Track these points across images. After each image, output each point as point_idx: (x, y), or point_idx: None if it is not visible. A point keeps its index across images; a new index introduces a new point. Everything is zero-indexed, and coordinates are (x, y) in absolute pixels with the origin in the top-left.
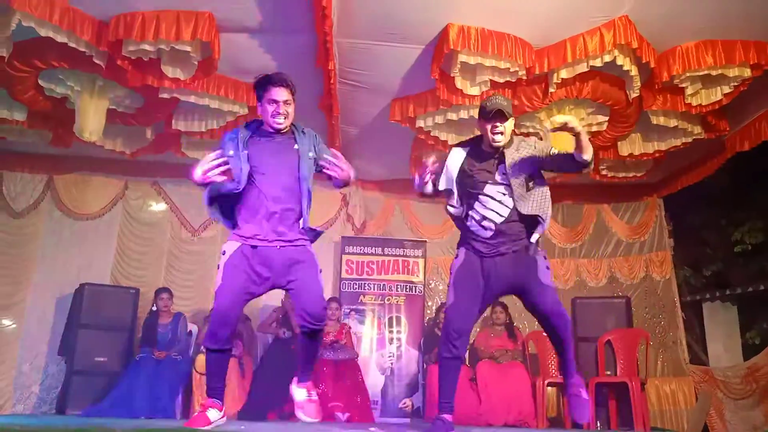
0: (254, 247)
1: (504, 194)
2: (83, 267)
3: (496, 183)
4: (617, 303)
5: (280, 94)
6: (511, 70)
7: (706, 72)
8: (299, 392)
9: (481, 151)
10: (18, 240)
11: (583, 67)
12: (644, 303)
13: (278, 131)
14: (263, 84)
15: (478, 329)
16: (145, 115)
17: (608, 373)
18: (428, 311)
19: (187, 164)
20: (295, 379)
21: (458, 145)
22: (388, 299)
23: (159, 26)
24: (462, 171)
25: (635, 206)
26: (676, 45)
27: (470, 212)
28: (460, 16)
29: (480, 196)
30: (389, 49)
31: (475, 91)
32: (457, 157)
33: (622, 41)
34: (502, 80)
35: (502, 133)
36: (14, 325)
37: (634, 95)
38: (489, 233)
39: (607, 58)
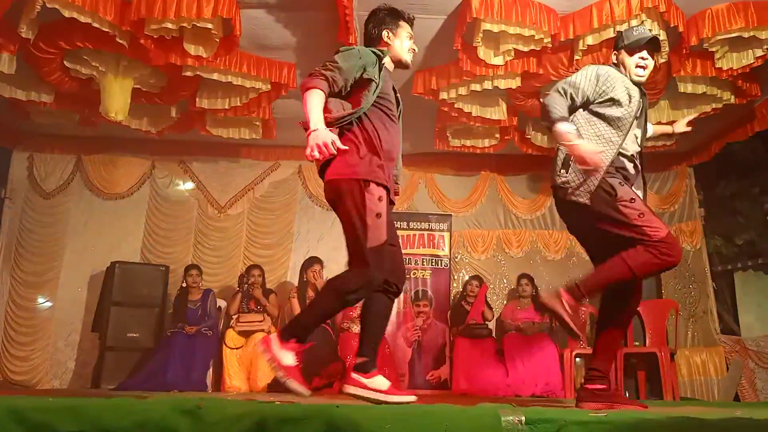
0: (392, 203)
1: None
2: (113, 245)
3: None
4: None
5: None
6: (536, 37)
7: (737, 34)
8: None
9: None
10: (49, 220)
11: (609, 33)
12: (674, 273)
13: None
14: (399, 16)
15: (504, 302)
16: (169, 94)
17: (637, 344)
18: (454, 284)
19: (212, 142)
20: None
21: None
22: (414, 273)
23: (180, 4)
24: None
25: (665, 176)
26: (706, 7)
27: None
28: None
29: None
30: None
31: (498, 60)
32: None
33: (650, 5)
34: (526, 49)
35: (645, 68)
36: (48, 303)
37: (662, 60)
38: None
39: (635, 23)
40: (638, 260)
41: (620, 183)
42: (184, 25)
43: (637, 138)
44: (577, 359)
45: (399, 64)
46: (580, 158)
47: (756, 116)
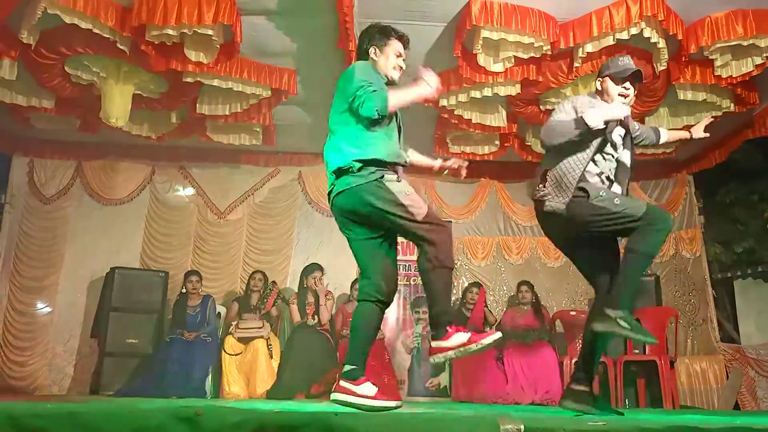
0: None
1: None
2: (113, 251)
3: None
4: (646, 281)
5: (403, 50)
6: (536, 45)
7: (736, 42)
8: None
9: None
10: (48, 225)
11: (609, 41)
12: (674, 281)
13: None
14: (389, 34)
15: (504, 308)
16: (169, 100)
17: (636, 351)
18: (454, 291)
19: (213, 148)
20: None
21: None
22: (414, 280)
23: (181, 10)
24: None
25: (664, 183)
26: (705, 15)
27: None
28: None
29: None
30: (410, 28)
31: (498, 67)
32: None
33: (649, 13)
34: (526, 56)
35: (627, 96)
36: (48, 308)
37: (661, 68)
38: None
39: (634, 31)
40: (641, 243)
41: (587, 182)
42: (185, 31)
43: (612, 156)
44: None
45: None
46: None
47: (755, 124)
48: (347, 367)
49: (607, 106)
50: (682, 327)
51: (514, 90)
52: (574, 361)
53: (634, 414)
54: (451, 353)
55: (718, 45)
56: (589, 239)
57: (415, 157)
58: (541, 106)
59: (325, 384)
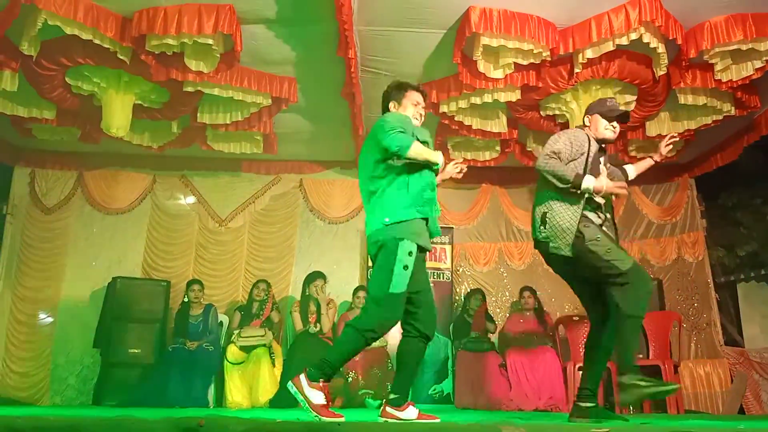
0: (423, 251)
1: None
2: (114, 260)
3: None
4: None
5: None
6: (535, 51)
7: (736, 47)
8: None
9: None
10: (50, 235)
11: (608, 46)
12: (677, 285)
13: None
14: (405, 87)
15: (507, 315)
16: (170, 109)
17: (640, 356)
18: (456, 297)
19: (214, 157)
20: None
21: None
22: None
23: (181, 20)
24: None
25: (666, 187)
26: (705, 20)
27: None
28: None
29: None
30: (410, 35)
31: (498, 74)
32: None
33: (648, 18)
34: (525, 62)
35: (614, 133)
36: (50, 319)
37: (661, 73)
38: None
39: (633, 36)
40: (631, 307)
41: (585, 226)
42: (185, 41)
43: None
44: (581, 372)
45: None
46: (614, 193)
47: (756, 127)
48: (392, 396)
49: (600, 180)
50: (685, 331)
51: (514, 96)
52: (578, 366)
53: (642, 419)
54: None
55: (718, 49)
56: (584, 277)
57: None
58: (541, 112)
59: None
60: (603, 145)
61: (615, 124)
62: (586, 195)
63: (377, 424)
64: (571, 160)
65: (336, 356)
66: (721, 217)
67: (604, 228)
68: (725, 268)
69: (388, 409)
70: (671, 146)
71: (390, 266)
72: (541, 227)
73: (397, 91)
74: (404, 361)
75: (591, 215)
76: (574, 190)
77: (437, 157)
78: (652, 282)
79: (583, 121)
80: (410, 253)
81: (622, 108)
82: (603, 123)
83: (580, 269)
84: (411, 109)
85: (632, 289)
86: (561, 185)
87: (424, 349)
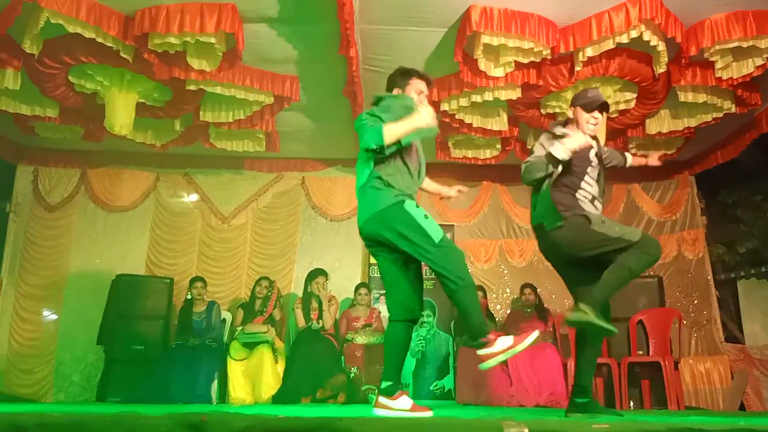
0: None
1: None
2: (118, 258)
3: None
4: (649, 282)
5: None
6: (536, 50)
7: (736, 44)
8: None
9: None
10: (53, 233)
11: (609, 44)
12: (677, 282)
13: None
14: (410, 74)
15: (508, 311)
16: (173, 108)
17: (640, 353)
18: None
19: (216, 155)
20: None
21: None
22: None
23: (183, 19)
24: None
25: (666, 184)
26: (705, 17)
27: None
28: None
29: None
30: (411, 34)
31: (499, 72)
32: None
33: (648, 16)
34: (526, 61)
35: (596, 124)
36: (53, 316)
37: (661, 70)
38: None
39: (634, 34)
40: (631, 260)
41: (589, 212)
42: (188, 39)
43: (595, 180)
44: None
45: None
46: (577, 146)
47: (757, 125)
48: (384, 384)
49: (567, 139)
50: (685, 328)
51: (515, 94)
52: None
53: (638, 416)
54: (501, 356)
55: (718, 47)
56: (581, 261)
57: (430, 186)
58: (542, 110)
59: (331, 388)
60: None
61: (596, 114)
62: (578, 188)
63: (379, 420)
64: None
65: (479, 316)
66: (721, 214)
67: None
68: (725, 265)
69: (381, 398)
70: (659, 163)
71: (415, 224)
72: (534, 212)
73: (401, 77)
74: (392, 347)
75: (588, 207)
76: (555, 168)
77: (418, 118)
78: (661, 251)
79: (567, 116)
80: (417, 206)
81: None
82: (584, 116)
83: (587, 252)
84: (414, 96)
85: (644, 253)
86: (543, 173)
87: (411, 332)
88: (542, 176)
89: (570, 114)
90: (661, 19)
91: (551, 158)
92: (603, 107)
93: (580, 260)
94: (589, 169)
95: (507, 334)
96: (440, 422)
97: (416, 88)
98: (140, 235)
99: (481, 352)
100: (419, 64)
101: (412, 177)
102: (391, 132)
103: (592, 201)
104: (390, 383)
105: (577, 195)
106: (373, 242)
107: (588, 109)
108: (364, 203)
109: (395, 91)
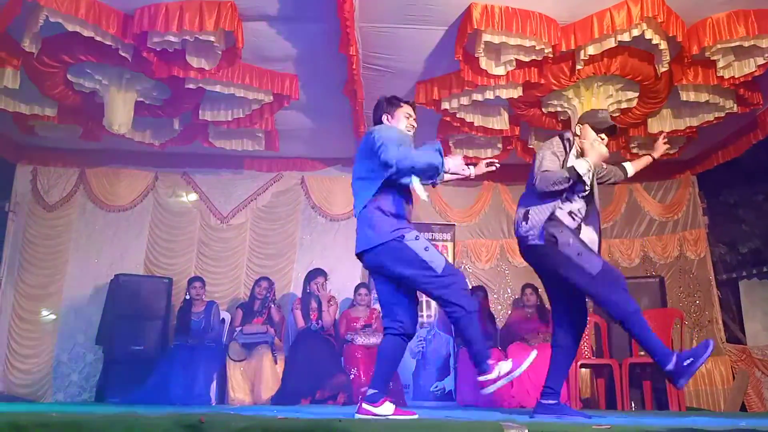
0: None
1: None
2: (116, 258)
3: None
4: (651, 283)
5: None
6: (537, 48)
7: (738, 43)
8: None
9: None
10: (52, 233)
11: (610, 43)
12: (678, 282)
13: None
14: (397, 101)
15: (509, 311)
16: (172, 106)
17: (642, 353)
18: None
19: (215, 154)
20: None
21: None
22: None
23: (182, 17)
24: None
25: (668, 184)
26: (707, 16)
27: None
28: None
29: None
30: (412, 32)
31: (500, 70)
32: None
33: (650, 14)
34: (527, 59)
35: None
36: (52, 316)
37: (663, 69)
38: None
39: (636, 33)
40: (613, 307)
41: (561, 231)
42: (187, 37)
43: (583, 197)
44: (582, 369)
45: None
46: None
47: (759, 124)
48: (370, 391)
49: (591, 154)
50: (687, 328)
51: (516, 93)
52: (579, 363)
53: (639, 416)
54: (500, 382)
55: (720, 46)
56: (558, 280)
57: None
58: (543, 109)
59: (330, 389)
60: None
61: (603, 136)
62: (562, 198)
63: (377, 422)
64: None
65: (482, 342)
66: (723, 214)
67: (580, 229)
68: (727, 265)
69: (364, 405)
70: (668, 144)
71: (417, 258)
72: (523, 222)
73: (389, 104)
74: (385, 358)
75: (566, 219)
76: (573, 183)
77: (445, 159)
78: (623, 278)
79: (574, 130)
80: (416, 238)
81: (612, 121)
82: (592, 134)
83: (556, 268)
84: (404, 121)
85: (608, 292)
86: (563, 186)
87: (405, 346)
88: (561, 189)
89: (577, 130)
90: (663, 18)
91: (573, 173)
92: (612, 130)
93: (555, 280)
94: (577, 187)
95: (507, 357)
96: (441, 423)
97: (404, 113)
98: (139, 234)
99: (482, 378)
100: (419, 62)
101: (407, 203)
102: (412, 158)
103: (570, 214)
104: (375, 392)
105: (559, 205)
106: (376, 268)
107: (598, 129)
108: (363, 231)
109: (384, 118)
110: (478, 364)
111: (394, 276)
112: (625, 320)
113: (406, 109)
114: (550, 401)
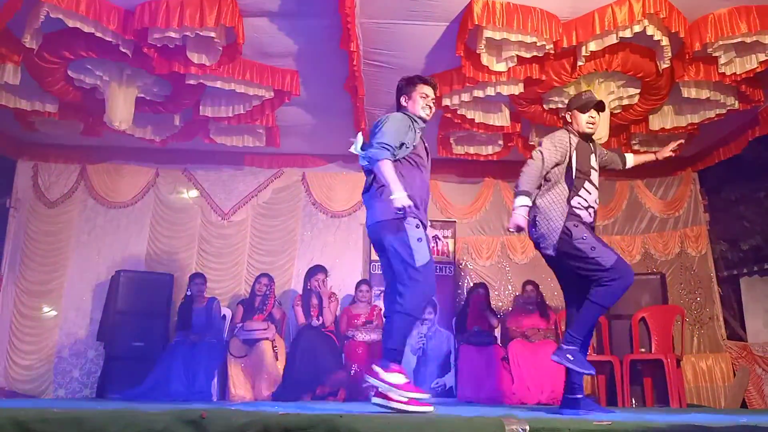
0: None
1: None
2: (117, 254)
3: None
4: (652, 280)
5: (432, 92)
6: (538, 44)
7: (739, 39)
8: None
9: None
10: (53, 229)
11: (612, 39)
12: (679, 279)
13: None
14: (415, 81)
15: (510, 308)
16: (173, 103)
17: (643, 350)
18: (459, 291)
19: (216, 150)
20: None
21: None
22: None
23: (183, 13)
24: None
25: (669, 181)
26: (708, 12)
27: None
28: None
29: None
30: (413, 28)
31: (501, 67)
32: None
33: (651, 10)
34: (528, 55)
35: (594, 124)
36: (53, 312)
37: (664, 66)
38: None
39: (637, 29)
40: (600, 295)
41: (575, 225)
42: (187, 33)
43: (595, 186)
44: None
45: (418, 119)
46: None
47: (760, 121)
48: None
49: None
50: (688, 325)
51: (517, 89)
52: None
53: (641, 413)
54: (382, 386)
55: (722, 42)
56: (572, 273)
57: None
58: (544, 105)
59: (331, 385)
60: (592, 139)
61: (593, 113)
62: (575, 194)
63: (378, 417)
64: (556, 164)
65: (399, 342)
66: (724, 211)
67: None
68: (728, 262)
69: (374, 366)
70: (676, 151)
71: (406, 242)
72: (533, 229)
73: (407, 85)
74: (387, 330)
75: (582, 213)
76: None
77: (398, 195)
78: (633, 275)
79: (564, 118)
80: (417, 226)
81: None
82: (582, 117)
83: (567, 265)
84: (420, 101)
85: (614, 283)
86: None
87: (412, 324)
88: (533, 184)
89: (568, 118)
90: (665, 14)
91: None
92: (599, 106)
93: (569, 272)
94: (592, 177)
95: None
96: (441, 419)
97: (421, 92)
98: (140, 231)
99: (375, 368)
100: (420, 58)
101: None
102: (385, 174)
103: (587, 209)
104: (385, 359)
105: (574, 205)
106: (377, 244)
107: (584, 110)
108: (371, 209)
109: (403, 99)
110: (383, 357)
111: (384, 249)
112: (592, 305)
113: (421, 88)
114: (577, 395)
